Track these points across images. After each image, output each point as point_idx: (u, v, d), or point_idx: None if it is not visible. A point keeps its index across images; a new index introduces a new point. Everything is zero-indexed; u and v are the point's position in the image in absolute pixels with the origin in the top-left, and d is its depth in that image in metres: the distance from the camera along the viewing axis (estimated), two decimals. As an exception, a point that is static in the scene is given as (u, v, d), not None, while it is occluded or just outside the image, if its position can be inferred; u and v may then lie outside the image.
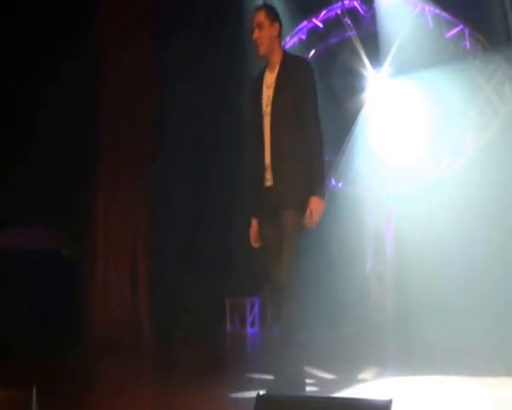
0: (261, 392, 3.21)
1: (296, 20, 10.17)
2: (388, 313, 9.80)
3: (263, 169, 5.41)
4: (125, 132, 9.09)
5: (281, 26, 5.51)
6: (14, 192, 8.96)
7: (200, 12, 10.03)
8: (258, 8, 5.52)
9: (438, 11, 9.63)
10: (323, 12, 10.23)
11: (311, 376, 6.40)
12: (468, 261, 9.17)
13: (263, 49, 5.44)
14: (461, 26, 9.60)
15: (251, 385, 6.00)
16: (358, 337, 9.07)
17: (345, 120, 9.94)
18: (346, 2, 10.10)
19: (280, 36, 5.52)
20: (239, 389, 5.90)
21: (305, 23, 10.31)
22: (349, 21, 9.94)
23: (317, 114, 5.39)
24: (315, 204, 5.26)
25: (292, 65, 5.46)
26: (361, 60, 9.87)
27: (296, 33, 10.31)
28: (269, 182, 5.40)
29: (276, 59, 5.48)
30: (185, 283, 10.06)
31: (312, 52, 10.33)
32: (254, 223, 5.53)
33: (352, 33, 9.87)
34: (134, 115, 9.08)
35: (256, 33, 5.43)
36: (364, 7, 10.12)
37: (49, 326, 8.59)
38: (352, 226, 9.70)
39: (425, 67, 9.21)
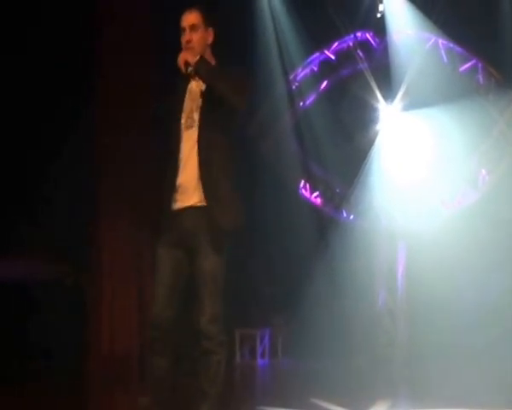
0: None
1: (308, 52, 10.19)
2: (400, 348, 9.70)
3: (174, 189, 4.52)
4: (126, 154, 8.94)
5: (216, 35, 4.58)
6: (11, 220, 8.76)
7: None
8: (193, 9, 4.54)
9: (451, 45, 9.61)
10: (336, 44, 10.24)
11: (321, 409, 6.31)
12: (480, 300, 9.07)
13: (192, 56, 4.40)
14: (474, 61, 9.59)
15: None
16: (370, 370, 8.95)
17: (356, 153, 9.89)
18: (359, 35, 10.10)
19: (212, 46, 4.60)
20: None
21: (317, 54, 10.31)
22: (361, 54, 9.93)
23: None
24: None
25: None
26: (373, 92, 9.83)
27: (308, 64, 10.31)
28: (178, 204, 4.52)
29: None
30: (193, 312, 9.95)
31: (324, 84, 10.34)
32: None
33: (364, 66, 9.84)
34: (134, 139, 8.92)
35: (187, 35, 4.48)
36: (377, 39, 10.12)
37: (51, 359, 8.44)
38: (364, 259, 9.62)
39: (438, 101, 9.16)
